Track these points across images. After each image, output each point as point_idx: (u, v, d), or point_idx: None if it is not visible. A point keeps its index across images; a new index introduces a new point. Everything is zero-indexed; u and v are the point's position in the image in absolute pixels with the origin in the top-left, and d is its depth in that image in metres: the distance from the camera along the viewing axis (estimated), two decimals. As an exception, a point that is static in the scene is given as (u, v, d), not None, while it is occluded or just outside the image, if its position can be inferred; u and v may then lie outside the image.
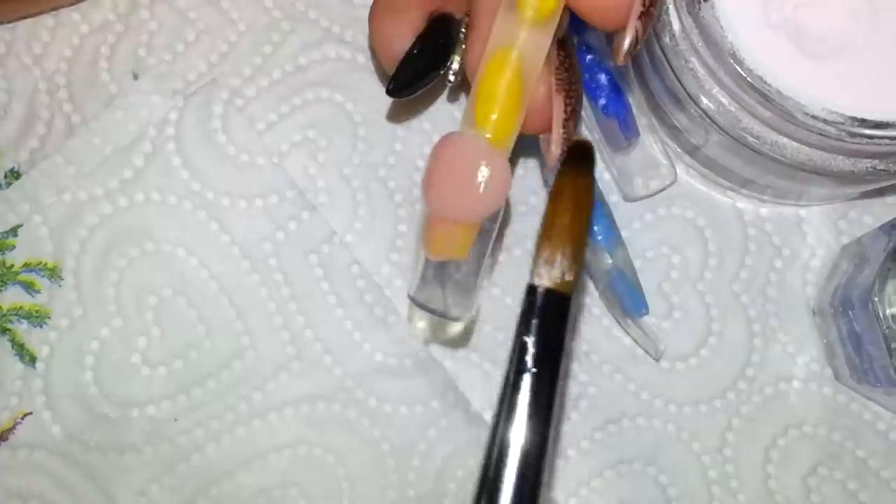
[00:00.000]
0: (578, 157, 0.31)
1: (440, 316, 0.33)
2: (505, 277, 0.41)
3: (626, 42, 0.31)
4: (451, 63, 0.36)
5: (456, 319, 0.34)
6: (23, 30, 0.42)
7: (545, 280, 0.29)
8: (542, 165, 0.41)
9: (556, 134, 0.33)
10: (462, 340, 0.41)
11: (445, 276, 0.33)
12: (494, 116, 0.30)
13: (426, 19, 0.35)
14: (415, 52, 0.35)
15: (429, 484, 0.39)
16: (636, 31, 0.31)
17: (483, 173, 0.30)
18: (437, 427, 0.40)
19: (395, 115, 0.42)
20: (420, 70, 0.35)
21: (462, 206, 0.30)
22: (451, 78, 0.36)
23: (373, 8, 0.36)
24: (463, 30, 0.35)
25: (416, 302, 0.33)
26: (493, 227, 0.32)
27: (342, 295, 0.40)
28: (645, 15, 0.31)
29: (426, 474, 0.39)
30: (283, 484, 0.39)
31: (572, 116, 0.33)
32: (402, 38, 0.35)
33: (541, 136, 0.33)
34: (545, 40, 0.30)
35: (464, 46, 0.35)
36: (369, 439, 0.40)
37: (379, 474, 0.39)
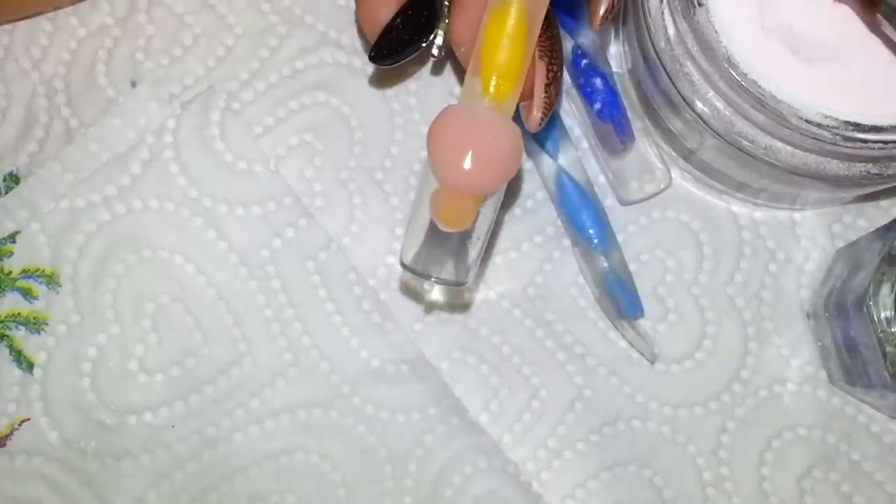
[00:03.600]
0: None
1: (441, 283, 0.34)
2: (501, 281, 0.41)
3: (603, 8, 0.34)
4: (435, 37, 0.36)
5: (460, 285, 0.34)
6: (21, 34, 0.42)
7: None
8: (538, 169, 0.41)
9: (539, 99, 0.34)
10: (459, 343, 0.41)
11: (448, 243, 0.33)
12: (502, 84, 0.31)
13: None
14: (398, 21, 0.35)
15: (425, 491, 0.39)
16: None
17: (501, 144, 0.30)
18: (434, 434, 0.40)
19: (392, 119, 0.42)
20: (403, 40, 0.36)
21: (481, 178, 0.31)
22: (435, 52, 0.36)
23: None
24: (446, 3, 0.36)
25: (411, 269, 0.33)
26: (502, 190, 0.33)
27: (339, 302, 0.41)
28: None
29: (423, 481, 0.40)
30: (280, 490, 0.39)
31: (553, 82, 0.34)
32: (387, 7, 0.35)
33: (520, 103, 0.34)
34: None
35: (447, 20, 0.36)
36: (366, 446, 0.40)
37: (375, 481, 0.40)
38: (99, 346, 0.40)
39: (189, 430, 0.39)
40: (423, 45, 0.36)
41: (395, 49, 0.36)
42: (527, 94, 0.33)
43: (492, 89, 0.31)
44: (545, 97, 0.33)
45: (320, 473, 0.40)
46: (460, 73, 0.42)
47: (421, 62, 0.42)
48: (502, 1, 0.31)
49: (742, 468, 0.40)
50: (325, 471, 0.40)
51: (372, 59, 0.36)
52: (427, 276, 0.34)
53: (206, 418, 0.40)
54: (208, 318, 0.40)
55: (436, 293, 0.41)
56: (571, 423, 0.40)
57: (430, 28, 0.36)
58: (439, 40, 0.36)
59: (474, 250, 0.33)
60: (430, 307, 0.41)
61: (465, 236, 0.33)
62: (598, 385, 0.41)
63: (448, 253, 0.33)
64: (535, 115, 0.34)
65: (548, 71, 0.33)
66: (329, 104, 0.42)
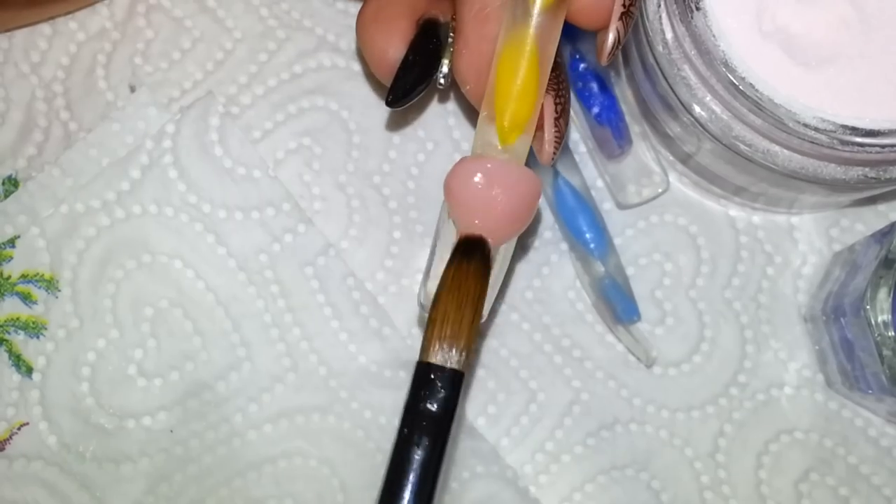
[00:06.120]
0: (468, 250, 0.31)
1: None
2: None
3: (609, 41, 0.33)
4: (441, 67, 0.36)
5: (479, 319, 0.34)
6: (20, 38, 0.42)
7: (438, 359, 0.30)
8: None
9: (549, 134, 0.33)
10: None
11: None
12: (518, 134, 0.31)
13: (414, 26, 0.35)
14: (409, 60, 0.35)
15: (422, 495, 0.40)
16: (618, 30, 0.33)
17: (520, 195, 0.31)
18: (431, 438, 0.40)
19: (390, 124, 0.42)
20: (416, 78, 0.35)
21: (500, 230, 0.31)
22: (441, 81, 0.36)
23: (360, 19, 0.36)
24: (451, 34, 0.35)
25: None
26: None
27: (337, 307, 0.41)
28: (626, 15, 0.33)
29: None
30: (279, 495, 0.39)
31: (563, 115, 0.33)
32: (395, 47, 0.35)
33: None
34: (555, 34, 0.31)
35: (451, 50, 0.35)
36: (364, 450, 0.40)
37: (373, 485, 0.39)
38: (98, 350, 0.40)
39: (188, 435, 0.40)
40: (433, 77, 0.36)
41: (409, 89, 0.35)
42: (537, 128, 0.33)
43: (508, 140, 0.31)
44: (556, 131, 0.33)
45: (318, 478, 0.40)
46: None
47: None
48: (514, 47, 0.30)
49: (739, 472, 0.40)
50: (323, 475, 0.40)
51: (389, 103, 0.35)
52: None
53: (204, 423, 0.40)
54: (207, 322, 0.40)
55: None
56: (569, 426, 0.40)
57: (438, 60, 0.35)
58: (444, 69, 0.36)
59: (492, 290, 0.33)
60: None
61: None
62: (596, 389, 0.41)
63: None
64: (548, 151, 0.33)
65: (556, 104, 0.33)
66: (327, 108, 0.42)
